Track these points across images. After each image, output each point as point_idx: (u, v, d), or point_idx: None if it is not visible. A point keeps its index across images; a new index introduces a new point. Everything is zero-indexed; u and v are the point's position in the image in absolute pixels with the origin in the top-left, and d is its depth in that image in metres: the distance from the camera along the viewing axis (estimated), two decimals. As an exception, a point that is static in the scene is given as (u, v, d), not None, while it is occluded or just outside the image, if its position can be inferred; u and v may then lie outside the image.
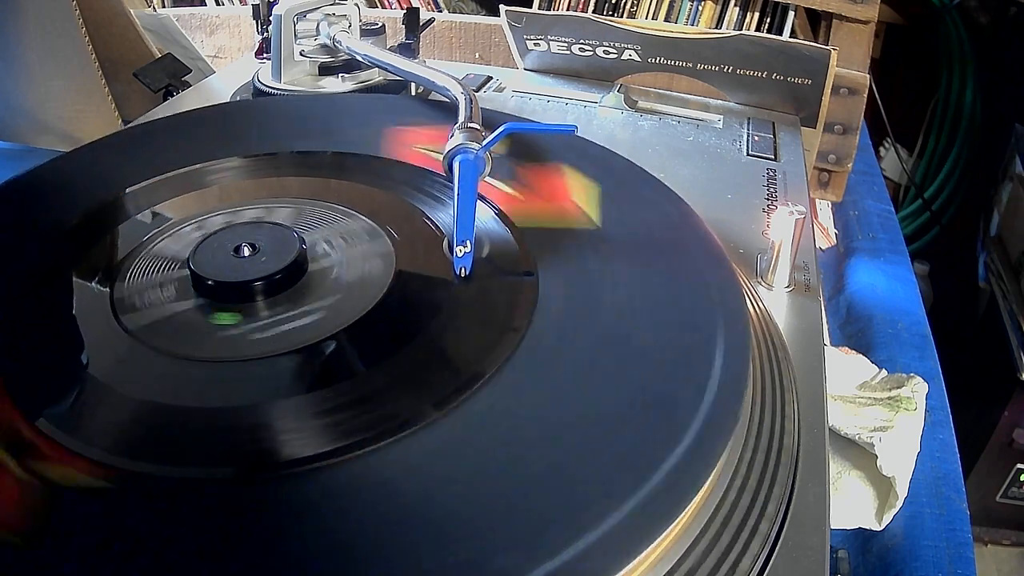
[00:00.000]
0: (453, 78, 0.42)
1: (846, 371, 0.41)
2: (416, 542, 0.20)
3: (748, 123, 0.53)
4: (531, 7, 0.79)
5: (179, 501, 0.21)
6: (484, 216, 0.33)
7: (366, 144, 0.39)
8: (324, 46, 0.52)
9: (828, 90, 0.53)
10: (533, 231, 0.32)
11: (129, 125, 0.47)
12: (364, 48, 0.50)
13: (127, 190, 0.36)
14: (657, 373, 0.25)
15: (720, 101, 0.57)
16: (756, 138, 0.51)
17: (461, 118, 0.36)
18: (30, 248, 0.32)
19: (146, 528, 0.20)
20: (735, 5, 0.78)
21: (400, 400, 0.24)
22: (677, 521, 0.20)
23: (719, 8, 0.79)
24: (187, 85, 0.57)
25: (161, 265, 0.31)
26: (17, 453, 0.22)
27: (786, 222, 0.34)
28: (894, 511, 0.36)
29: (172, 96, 0.56)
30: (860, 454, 0.37)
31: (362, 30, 0.53)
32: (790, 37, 0.72)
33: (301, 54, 0.52)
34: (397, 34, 0.57)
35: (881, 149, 1.30)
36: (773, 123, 0.53)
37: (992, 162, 1.19)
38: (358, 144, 0.39)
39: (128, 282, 0.30)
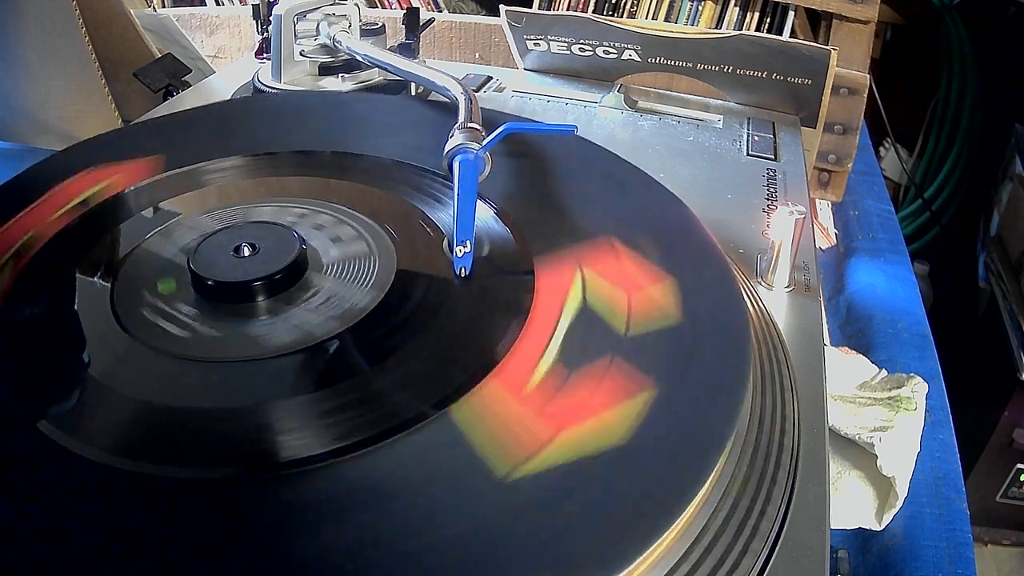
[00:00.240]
0: (453, 78, 0.42)
1: (846, 371, 0.41)
2: (415, 542, 0.20)
3: (748, 123, 0.53)
4: (531, 7, 0.79)
5: (179, 501, 0.21)
6: (484, 215, 0.33)
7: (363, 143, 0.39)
8: (324, 46, 0.52)
9: (828, 90, 0.53)
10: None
11: (129, 125, 0.47)
12: (364, 48, 0.50)
13: (128, 188, 0.36)
14: (657, 373, 0.25)
15: (720, 101, 0.57)
16: (756, 138, 0.51)
17: (461, 118, 0.36)
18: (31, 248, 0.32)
19: (146, 528, 0.20)
20: (735, 5, 0.78)
21: (400, 400, 0.24)
22: (678, 521, 0.20)
23: (719, 8, 0.79)
24: (187, 85, 0.57)
25: (161, 265, 0.31)
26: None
27: (786, 222, 0.34)
28: (894, 511, 0.36)
29: (172, 96, 0.56)
30: (860, 454, 0.37)
31: (362, 30, 0.53)
32: (790, 37, 0.72)
33: (301, 54, 0.52)
34: (397, 34, 0.57)
35: (881, 149, 1.30)
36: (773, 123, 0.53)
37: (992, 162, 1.19)
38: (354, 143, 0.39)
39: (128, 282, 0.30)
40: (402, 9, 0.81)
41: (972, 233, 1.20)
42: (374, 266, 0.30)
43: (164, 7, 0.88)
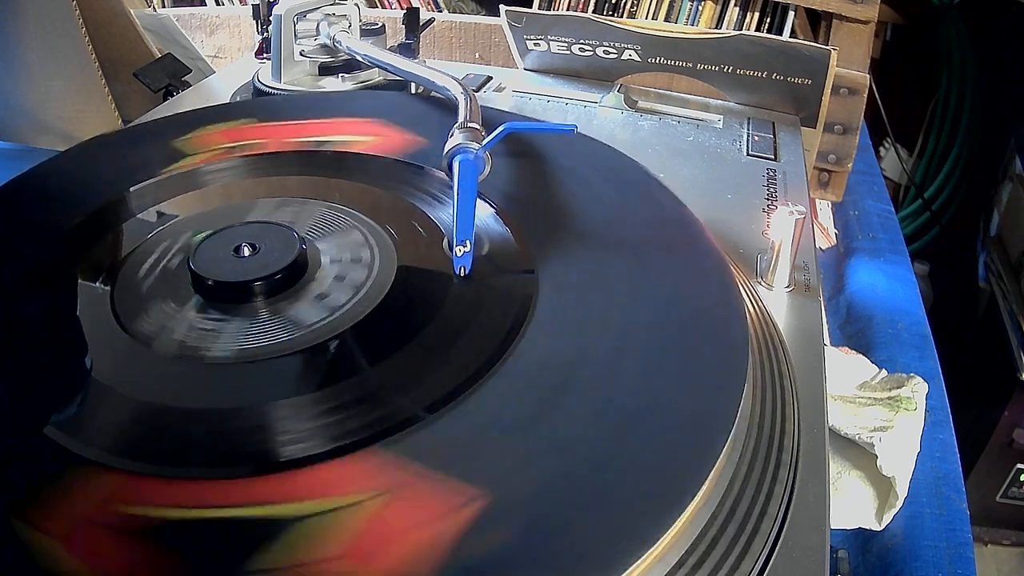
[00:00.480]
0: (453, 78, 0.42)
1: (846, 371, 0.41)
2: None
3: (748, 123, 0.53)
4: (531, 7, 0.79)
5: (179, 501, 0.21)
6: (484, 215, 0.33)
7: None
8: (324, 46, 0.52)
9: (828, 90, 0.53)
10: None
11: (129, 125, 0.47)
12: (364, 48, 0.50)
13: (130, 189, 0.36)
14: (657, 372, 0.25)
15: (720, 101, 0.57)
16: (756, 138, 0.51)
17: (461, 118, 0.36)
18: (30, 248, 0.32)
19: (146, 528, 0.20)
20: (735, 5, 0.78)
21: (401, 400, 0.24)
22: (677, 521, 0.20)
23: (719, 8, 0.79)
24: (187, 85, 0.57)
25: (161, 265, 0.31)
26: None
27: (786, 222, 0.34)
28: (894, 511, 0.36)
29: (172, 96, 0.56)
30: (860, 454, 0.37)
31: (362, 30, 0.53)
32: (790, 37, 0.72)
33: (301, 54, 0.52)
34: (397, 34, 0.57)
35: (881, 149, 1.30)
36: (773, 123, 0.53)
37: (992, 162, 1.19)
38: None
39: (128, 282, 0.30)
40: (402, 9, 0.81)
41: (972, 233, 1.20)
42: (374, 265, 0.30)
43: (164, 7, 0.88)
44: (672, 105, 0.56)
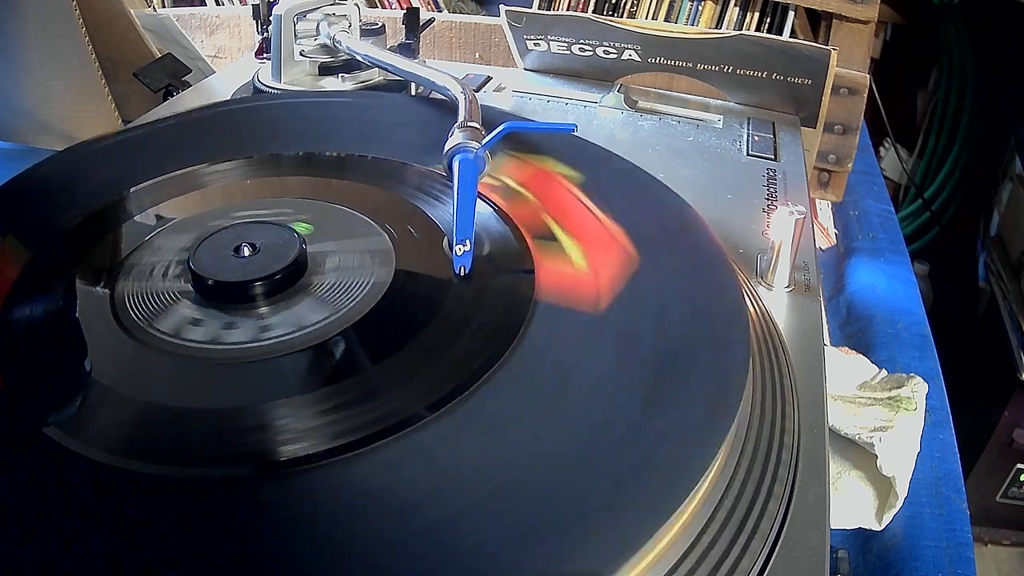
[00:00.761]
0: (453, 78, 0.42)
1: (846, 371, 0.41)
2: (415, 542, 0.20)
3: (748, 123, 0.53)
4: (531, 7, 0.79)
5: (179, 501, 0.21)
6: (484, 214, 0.33)
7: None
8: (324, 46, 0.52)
9: (828, 90, 0.53)
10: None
11: (129, 125, 0.47)
12: (364, 48, 0.50)
13: (130, 190, 0.36)
14: (657, 372, 0.25)
15: (720, 101, 0.57)
16: (756, 138, 0.51)
17: (461, 117, 0.36)
18: (30, 248, 0.32)
19: (146, 528, 0.20)
20: (735, 5, 0.78)
21: (401, 399, 0.24)
22: (677, 521, 0.20)
23: (719, 8, 0.79)
24: (187, 85, 0.57)
25: (161, 265, 0.31)
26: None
27: (786, 222, 0.34)
28: (894, 511, 0.36)
29: (172, 96, 0.56)
30: (860, 454, 0.37)
31: (362, 30, 0.53)
32: (790, 37, 0.72)
33: (301, 54, 0.52)
34: (397, 34, 0.57)
35: (881, 149, 1.30)
36: (773, 123, 0.53)
37: (992, 162, 1.19)
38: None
39: (128, 282, 0.30)
40: (402, 9, 0.81)
41: (972, 233, 1.20)
42: (374, 265, 0.30)
43: (164, 7, 0.88)
44: (672, 105, 0.56)
